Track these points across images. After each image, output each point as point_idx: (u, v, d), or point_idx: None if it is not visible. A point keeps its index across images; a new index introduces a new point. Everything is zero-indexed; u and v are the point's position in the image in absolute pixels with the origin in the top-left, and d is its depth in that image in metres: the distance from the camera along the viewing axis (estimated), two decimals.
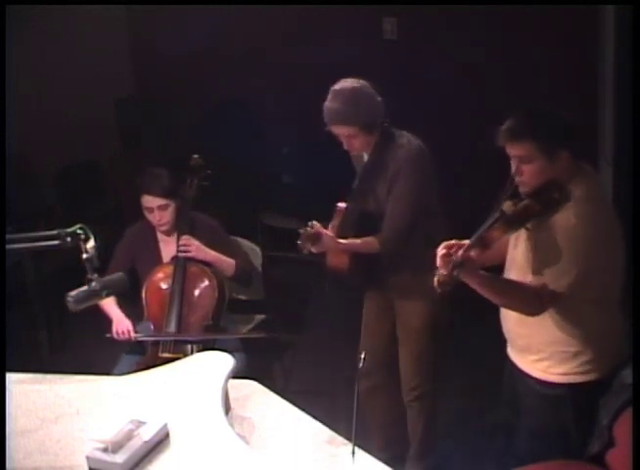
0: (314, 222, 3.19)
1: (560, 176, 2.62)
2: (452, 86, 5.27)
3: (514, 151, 2.62)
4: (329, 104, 3.20)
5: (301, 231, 3.13)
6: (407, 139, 3.29)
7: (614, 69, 4.89)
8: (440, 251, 2.58)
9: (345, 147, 3.28)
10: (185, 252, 3.74)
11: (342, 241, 3.24)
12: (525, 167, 2.61)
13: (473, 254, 2.54)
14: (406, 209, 3.26)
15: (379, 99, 3.24)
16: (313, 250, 3.17)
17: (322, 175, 5.27)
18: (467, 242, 2.57)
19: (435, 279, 2.56)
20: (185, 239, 3.76)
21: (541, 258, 2.64)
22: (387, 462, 3.65)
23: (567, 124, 2.65)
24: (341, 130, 3.21)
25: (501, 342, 2.97)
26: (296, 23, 5.78)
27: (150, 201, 3.76)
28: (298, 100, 5.76)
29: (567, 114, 2.66)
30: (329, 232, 3.21)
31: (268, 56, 5.92)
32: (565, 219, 2.58)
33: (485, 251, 2.60)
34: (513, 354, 2.90)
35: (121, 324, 3.69)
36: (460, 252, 2.53)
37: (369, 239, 3.27)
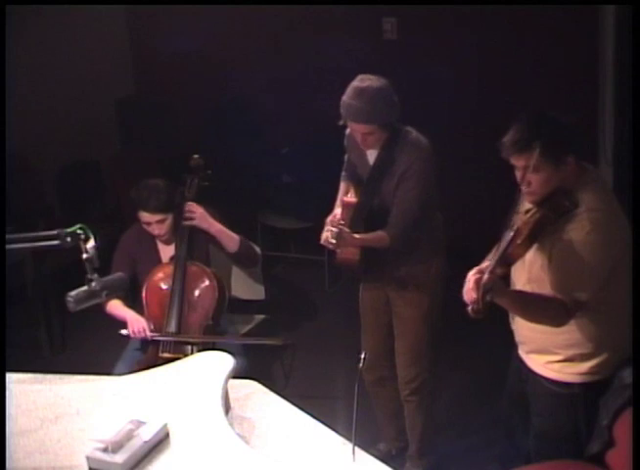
0: (336, 217, 3.20)
1: (567, 181, 2.61)
2: (452, 86, 5.27)
3: (520, 162, 2.59)
4: (351, 101, 3.20)
5: (334, 230, 3.14)
6: (416, 136, 3.34)
7: (614, 69, 4.89)
8: (473, 276, 2.52)
9: (359, 142, 3.30)
10: (189, 219, 3.73)
11: (357, 236, 3.26)
12: (533, 177, 2.58)
13: (499, 273, 2.51)
14: (414, 204, 3.30)
15: (396, 98, 3.26)
16: (334, 246, 3.20)
17: (322, 175, 5.27)
18: (488, 264, 2.54)
19: (470, 309, 2.50)
20: (190, 205, 3.75)
21: (562, 269, 2.61)
22: (398, 452, 3.67)
23: (570, 128, 2.62)
24: (359, 128, 3.24)
25: (502, 340, 2.97)
26: (296, 24, 5.78)
27: (148, 217, 3.74)
28: (298, 100, 5.77)
29: (568, 116, 2.64)
30: (346, 229, 3.22)
31: (268, 56, 5.92)
32: (579, 228, 2.56)
33: (509, 268, 2.58)
34: (525, 356, 2.88)
35: (137, 323, 3.67)
36: (486, 275, 2.48)
37: (380, 233, 3.30)
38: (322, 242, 3.22)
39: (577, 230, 2.57)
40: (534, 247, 2.64)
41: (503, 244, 2.52)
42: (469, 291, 2.52)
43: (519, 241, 2.53)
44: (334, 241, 3.14)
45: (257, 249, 4.19)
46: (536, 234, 2.58)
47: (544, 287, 2.66)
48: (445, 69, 5.23)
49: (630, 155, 3.48)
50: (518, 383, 2.94)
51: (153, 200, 3.71)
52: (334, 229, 3.14)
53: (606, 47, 4.94)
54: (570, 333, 2.70)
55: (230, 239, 3.80)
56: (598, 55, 5.02)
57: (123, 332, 3.70)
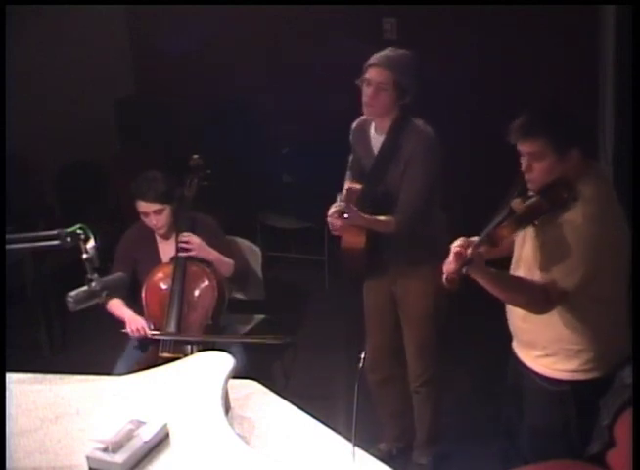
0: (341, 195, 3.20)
1: (570, 174, 2.63)
2: (452, 86, 5.27)
3: (525, 147, 2.63)
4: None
5: (343, 204, 3.14)
6: (422, 124, 3.36)
7: (614, 68, 4.89)
8: (455, 247, 2.59)
9: (367, 101, 3.29)
10: (186, 250, 3.74)
11: (365, 216, 3.25)
12: (536, 165, 2.62)
13: (481, 250, 2.56)
14: (421, 191, 3.31)
15: (418, 75, 3.32)
16: (339, 223, 3.19)
17: (322, 175, 5.27)
18: (475, 239, 2.60)
19: (444, 277, 2.58)
20: (186, 236, 3.75)
21: (549, 255, 2.64)
22: (399, 452, 3.68)
23: (579, 123, 2.66)
24: (375, 74, 3.27)
25: (503, 339, 2.97)
26: (296, 24, 5.78)
27: (145, 206, 3.75)
28: (298, 100, 5.77)
29: (580, 111, 2.67)
30: (354, 207, 3.21)
31: (268, 56, 5.92)
32: (573, 219, 2.59)
33: (494, 248, 2.61)
34: (518, 349, 2.91)
35: (135, 322, 3.68)
36: (469, 249, 2.54)
37: (388, 218, 3.30)
38: (329, 218, 3.20)
39: (569, 222, 2.60)
40: (530, 232, 2.69)
41: (492, 223, 2.58)
42: (449, 262, 2.59)
43: (505, 222, 2.59)
44: (345, 216, 3.11)
45: (258, 249, 4.20)
46: (527, 219, 2.62)
47: (532, 273, 2.70)
48: (445, 69, 5.23)
49: (630, 155, 3.48)
50: (515, 377, 2.96)
51: (150, 189, 3.73)
52: (342, 203, 3.13)
53: (606, 47, 4.94)
54: (554, 326, 2.71)
55: (225, 265, 3.82)
56: (598, 55, 5.03)
57: (125, 330, 3.71)
